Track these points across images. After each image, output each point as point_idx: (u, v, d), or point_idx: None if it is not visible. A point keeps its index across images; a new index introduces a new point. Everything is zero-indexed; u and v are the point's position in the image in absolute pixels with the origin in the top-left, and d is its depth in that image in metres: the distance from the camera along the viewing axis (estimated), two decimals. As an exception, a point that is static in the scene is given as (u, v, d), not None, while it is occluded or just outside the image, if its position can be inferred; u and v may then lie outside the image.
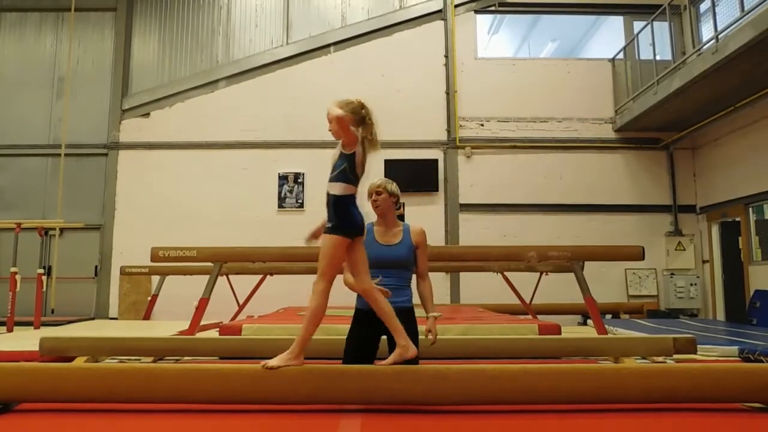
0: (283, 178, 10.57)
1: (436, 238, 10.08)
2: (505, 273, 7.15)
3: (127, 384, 2.79)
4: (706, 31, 9.95)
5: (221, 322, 6.69)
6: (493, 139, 10.73)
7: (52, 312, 9.37)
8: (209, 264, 5.99)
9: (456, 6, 11.00)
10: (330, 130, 2.94)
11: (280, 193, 10.56)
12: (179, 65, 11.09)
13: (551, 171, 10.64)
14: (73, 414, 2.77)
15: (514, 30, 13.26)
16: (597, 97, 10.85)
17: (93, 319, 9.95)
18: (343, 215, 2.82)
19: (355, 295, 3.02)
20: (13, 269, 7.44)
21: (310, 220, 3.04)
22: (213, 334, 6.03)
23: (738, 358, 4.82)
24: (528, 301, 7.33)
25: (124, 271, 8.95)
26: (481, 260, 6.63)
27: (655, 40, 9.54)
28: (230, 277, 7.51)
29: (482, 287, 9.57)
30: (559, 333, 5.24)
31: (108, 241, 10.48)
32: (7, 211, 10.25)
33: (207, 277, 5.83)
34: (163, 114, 10.90)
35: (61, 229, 9.99)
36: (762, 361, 4.53)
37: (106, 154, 10.74)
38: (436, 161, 10.58)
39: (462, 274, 10.02)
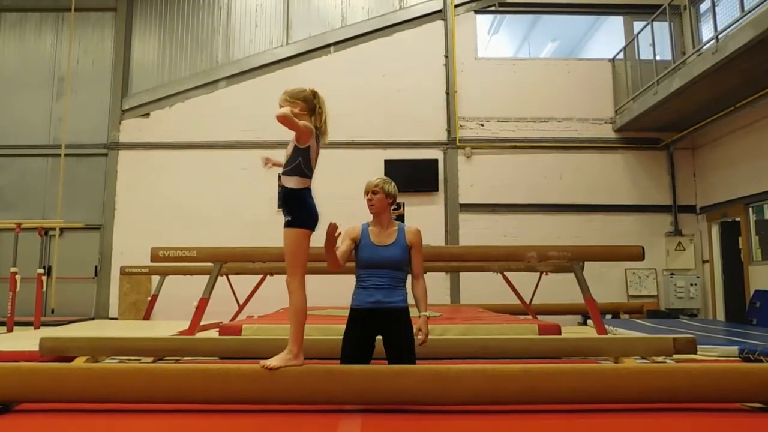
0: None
1: (436, 238, 10.08)
2: (505, 273, 7.15)
3: (127, 384, 2.79)
4: (706, 31, 9.95)
5: (221, 322, 6.69)
6: (493, 139, 10.73)
7: (52, 312, 9.37)
8: (209, 264, 5.98)
9: (456, 6, 11.00)
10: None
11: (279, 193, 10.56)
12: (179, 65, 11.09)
13: (551, 171, 10.64)
14: (73, 414, 2.77)
15: (514, 30, 13.27)
16: (597, 97, 10.85)
17: (93, 319, 9.95)
18: (299, 208, 2.84)
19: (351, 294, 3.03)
20: (13, 269, 7.44)
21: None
22: (213, 334, 6.03)
23: (738, 358, 4.82)
24: (528, 301, 7.32)
25: (124, 271, 8.94)
26: (481, 260, 6.63)
27: (655, 40, 9.54)
28: (230, 277, 7.51)
29: (482, 287, 9.57)
30: (559, 333, 5.24)
31: (108, 241, 10.48)
32: (7, 211, 10.25)
33: (207, 277, 5.83)
34: (163, 114, 10.90)
35: (61, 229, 10.00)
36: (762, 361, 4.53)
37: (106, 154, 10.74)
38: (436, 161, 10.58)
39: (462, 274, 10.02)
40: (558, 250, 5.80)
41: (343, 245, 3.04)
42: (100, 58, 11.13)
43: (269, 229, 10.01)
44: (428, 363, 3.17)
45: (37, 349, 4.23)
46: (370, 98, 10.71)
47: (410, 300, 3.03)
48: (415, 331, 2.94)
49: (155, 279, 9.47)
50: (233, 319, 7.44)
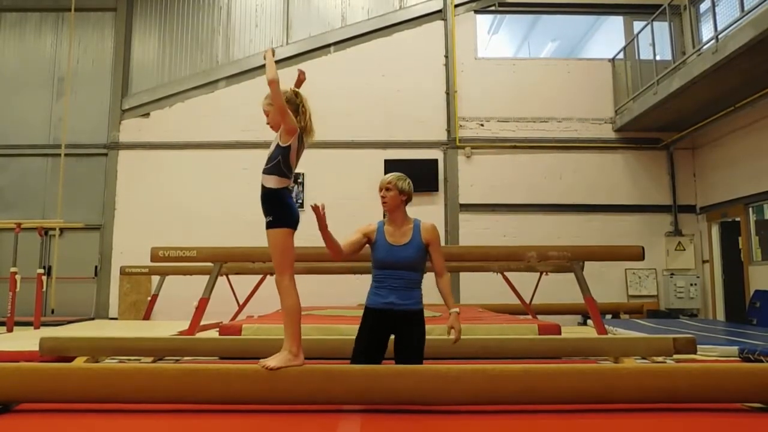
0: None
1: (436, 238, 10.08)
2: (505, 273, 7.15)
3: (127, 384, 2.79)
4: (706, 31, 9.94)
5: (221, 322, 6.69)
6: (493, 139, 10.73)
7: (52, 312, 9.37)
8: (209, 264, 5.98)
9: (456, 6, 11.00)
10: (268, 123, 2.95)
11: (280, 193, 10.54)
12: (179, 65, 11.09)
13: (551, 171, 10.64)
14: (73, 414, 2.77)
15: (514, 30, 13.26)
16: (597, 97, 10.85)
17: (93, 319, 9.95)
18: (279, 208, 2.84)
19: (363, 294, 3.02)
20: (13, 269, 7.44)
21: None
22: (213, 334, 6.03)
23: (738, 358, 4.82)
24: (528, 301, 7.32)
25: (124, 271, 8.94)
26: (481, 260, 6.63)
27: (655, 40, 9.53)
28: (230, 277, 7.51)
29: (482, 287, 9.57)
30: (559, 333, 5.24)
31: (108, 241, 10.48)
32: (7, 211, 10.25)
33: (207, 277, 5.83)
34: (163, 114, 10.89)
35: (61, 229, 9.99)
36: (762, 361, 4.52)
37: (106, 154, 10.74)
38: (436, 161, 10.58)
39: (462, 274, 10.01)
40: (558, 250, 5.80)
41: (352, 236, 3.01)
42: (100, 58, 11.12)
43: (269, 229, 10.02)
44: (428, 363, 3.17)
45: (37, 349, 4.22)
46: (370, 98, 10.71)
47: (425, 300, 3.01)
48: (447, 329, 2.91)
49: (155, 279, 9.47)
50: (233, 319, 7.44)
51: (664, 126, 10.01)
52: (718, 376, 2.82)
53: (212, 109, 10.78)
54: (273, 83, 2.80)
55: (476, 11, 11.18)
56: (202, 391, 2.77)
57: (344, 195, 10.17)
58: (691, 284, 10.15)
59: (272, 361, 2.78)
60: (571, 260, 5.73)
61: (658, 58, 9.53)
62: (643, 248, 5.75)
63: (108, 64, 11.07)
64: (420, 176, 10.36)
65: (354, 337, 3.07)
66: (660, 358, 4.37)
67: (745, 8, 7.15)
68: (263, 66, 10.43)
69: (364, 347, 2.96)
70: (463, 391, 2.76)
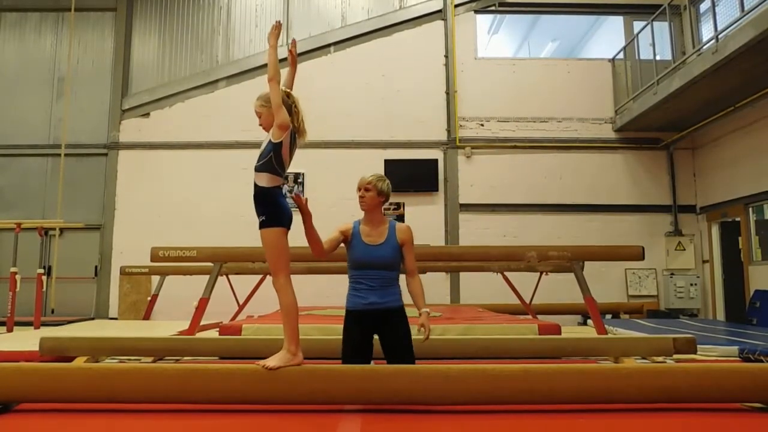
0: (284, 179, 10.54)
1: (436, 238, 10.08)
2: (505, 273, 7.15)
3: (127, 384, 2.79)
4: (706, 31, 9.94)
5: (221, 322, 6.69)
6: (493, 139, 10.72)
7: (52, 312, 9.38)
8: (209, 264, 5.99)
9: (456, 6, 11.00)
10: (260, 125, 2.97)
11: (280, 193, 10.55)
12: (179, 65, 11.09)
13: (551, 171, 10.64)
14: (73, 414, 2.77)
15: (514, 30, 13.26)
16: (597, 97, 10.85)
17: (93, 319, 9.94)
18: (272, 207, 2.85)
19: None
20: (13, 269, 7.44)
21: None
22: (213, 334, 6.03)
23: (738, 358, 4.82)
24: (528, 301, 7.32)
25: (124, 271, 8.94)
26: (481, 260, 6.63)
27: (655, 40, 9.53)
28: (230, 277, 7.51)
29: (482, 287, 9.57)
30: (559, 333, 5.24)
31: (108, 241, 10.48)
32: (7, 211, 10.25)
33: (207, 277, 5.83)
34: (163, 114, 10.90)
35: (61, 229, 10.00)
36: (762, 361, 4.53)
37: (106, 154, 10.74)
38: (436, 161, 10.57)
39: (462, 274, 10.02)
40: (558, 250, 5.80)
41: (332, 234, 3.03)
42: (100, 58, 11.12)
43: (269, 229, 10.02)
44: (428, 363, 3.17)
45: (37, 349, 4.23)
46: (370, 98, 10.71)
47: (406, 299, 3.02)
48: (417, 328, 2.92)
49: (155, 279, 9.47)
50: (233, 319, 7.44)
51: (664, 126, 10.01)
52: (718, 376, 2.82)
53: (212, 109, 10.78)
54: (272, 81, 2.81)
55: (476, 11, 11.18)
56: (202, 391, 2.77)
57: (344, 195, 10.13)
58: (691, 284, 10.15)
59: (272, 361, 2.78)
60: (571, 260, 5.73)
61: (658, 58, 9.53)
62: (643, 248, 5.76)
63: (108, 64, 11.07)
64: (420, 176, 10.40)
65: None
66: (660, 358, 4.37)
67: (745, 8, 7.15)
68: (263, 66, 10.48)
69: (352, 350, 2.96)
70: (463, 391, 2.76)
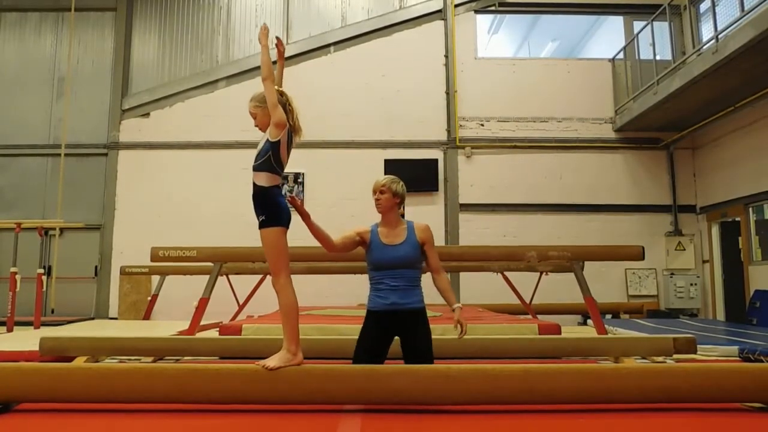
0: (282, 178, 10.53)
1: (436, 238, 9.99)
2: (505, 273, 7.15)
3: (127, 384, 2.79)
4: (706, 31, 9.94)
5: (221, 322, 6.69)
6: (493, 139, 10.72)
7: (52, 312, 9.37)
8: (209, 264, 5.98)
9: (456, 6, 11.00)
10: (256, 125, 2.99)
11: (280, 193, 10.55)
12: (179, 65, 11.09)
13: (551, 171, 10.64)
14: (73, 414, 2.77)
15: (514, 30, 13.26)
16: (597, 97, 10.85)
17: (93, 319, 9.94)
18: (272, 207, 2.84)
19: (363, 294, 3.01)
20: (13, 269, 7.44)
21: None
22: (213, 334, 6.03)
23: (738, 358, 4.82)
24: (528, 301, 7.32)
25: (124, 271, 8.94)
26: (482, 260, 6.63)
27: (655, 40, 9.53)
28: (230, 277, 7.51)
29: (482, 287, 9.57)
30: (559, 333, 5.24)
31: (108, 241, 10.48)
32: (7, 211, 10.26)
33: (207, 277, 5.83)
34: (163, 114, 10.89)
35: (61, 229, 10.00)
36: (762, 361, 4.52)
37: (106, 154, 10.74)
38: (436, 161, 10.57)
39: (462, 274, 10.01)
40: (558, 250, 5.80)
41: (347, 232, 3.02)
42: (100, 58, 11.12)
43: (269, 229, 10.02)
44: (428, 363, 3.17)
45: (37, 349, 4.22)
46: (370, 98, 10.71)
47: (426, 300, 3.02)
48: (454, 325, 2.92)
49: (155, 279, 9.47)
50: (233, 319, 7.44)
51: (664, 126, 10.01)
52: (718, 376, 2.82)
53: (212, 109, 10.78)
54: (266, 80, 2.82)
55: (476, 11, 11.18)
56: (202, 391, 2.77)
57: (344, 195, 10.18)
58: (691, 284, 10.15)
59: (271, 361, 2.78)
60: (571, 260, 5.73)
61: (658, 58, 9.53)
62: (643, 248, 5.75)
63: (108, 64, 11.07)
64: (420, 176, 10.39)
65: (354, 337, 3.07)
66: (660, 358, 4.37)
67: (745, 8, 7.15)
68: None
69: (367, 350, 2.95)
70: (463, 391, 2.76)
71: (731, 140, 9.53)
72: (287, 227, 2.89)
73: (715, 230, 10.18)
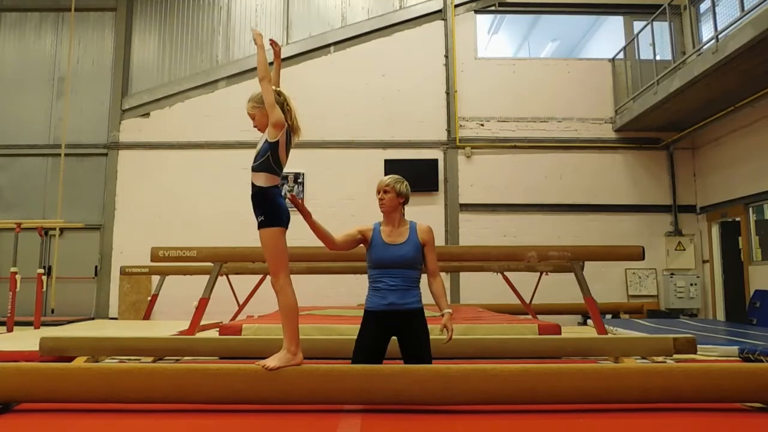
0: (282, 178, 10.55)
1: (436, 238, 10.04)
2: (505, 273, 7.15)
3: (127, 384, 2.79)
4: (706, 31, 9.95)
5: (221, 322, 6.69)
6: (493, 139, 10.73)
7: (52, 312, 9.37)
8: (209, 264, 5.99)
9: (456, 6, 11.00)
10: (255, 126, 2.98)
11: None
12: (179, 65, 11.09)
13: (551, 171, 10.64)
14: (73, 414, 2.77)
15: (514, 30, 13.26)
16: (597, 97, 10.85)
17: (93, 319, 9.95)
18: (271, 207, 2.84)
19: (362, 294, 3.01)
20: (13, 269, 7.44)
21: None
22: (213, 334, 6.03)
23: (738, 358, 4.82)
24: (528, 301, 7.32)
25: (124, 271, 8.95)
26: (482, 260, 6.63)
27: (655, 40, 9.53)
28: (230, 277, 7.51)
29: (482, 287, 9.57)
30: (559, 333, 5.24)
31: (108, 241, 10.48)
32: (7, 211, 10.26)
33: (207, 277, 5.83)
34: (163, 114, 10.89)
35: (61, 229, 9.99)
36: (762, 361, 4.53)
37: (106, 154, 10.74)
38: (436, 161, 10.57)
39: (462, 274, 10.02)
40: (558, 250, 5.80)
41: (349, 230, 3.02)
42: (100, 58, 11.12)
43: (269, 229, 10.02)
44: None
45: (37, 349, 4.23)
46: (370, 98, 10.71)
47: (424, 300, 3.02)
48: (440, 329, 2.92)
49: (155, 279, 9.47)
50: (233, 319, 7.45)
51: (664, 126, 10.01)
52: (718, 376, 2.82)
53: (212, 109, 10.78)
54: (263, 80, 2.82)
55: (476, 11, 11.18)
56: (202, 391, 2.77)
57: (344, 195, 10.19)
58: (691, 284, 10.15)
59: (271, 362, 2.78)
60: (571, 260, 5.73)
61: (658, 58, 9.53)
62: (643, 248, 5.75)
63: (108, 64, 11.07)
64: (420, 176, 10.39)
65: (353, 337, 3.07)
66: (660, 358, 4.37)
67: (745, 8, 7.15)
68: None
69: (365, 351, 2.95)
70: (463, 391, 2.76)
71: (731, 140, 9.53)
72: (286, 227, 2.89)
73: (715, 230, 10.18)
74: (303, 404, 2.82)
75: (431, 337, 3.02)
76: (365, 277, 3.11)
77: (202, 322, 5.94)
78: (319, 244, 3.00)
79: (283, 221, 2.87)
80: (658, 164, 10.70)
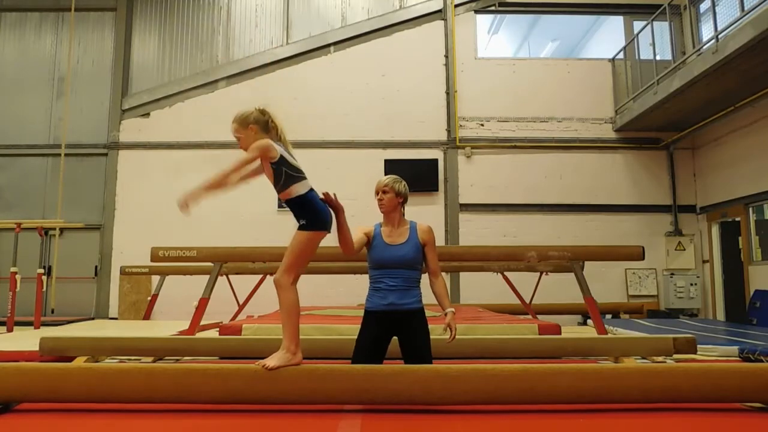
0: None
1: (436, 238, 10.06)
2: (505, 273, 7.15)
3: (127, 384, 2.79)
4: (706, 31, 9.95)
5: (221, 322, 6.69)
6: (493, 139, 10.73)
7: (52, 312, 9.37)
8: (209, 264, 5.99)
9: (456, 6, 11.00)
10: (241, 148, 2.87)
11: (280, 193, 10.55)
12: (179, 65, 11.09)
13: (551, 171, 10.64)
14: (73, 414, 2.77)
15: (514, 30, 13.26)
16: (597, 97, 10.85)
17: (93, 319, 9.95)
18: (312, 212, 2.79)
19: (362, 294, 3.01)
20: (13, 269, 7.44)
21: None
22: (213, 334, 6.03)
23: (738, 358, 4.82)
24: (528, 301, 7.32)
25: (124, 271, 8.95)
26: (482, 260, 6.63)
27: (655, 40, 9.54)
28: (230, 277, 7.51)
29: (482, 287, 9.57)
30: (559, 333, 5.24)
31: (108, 241, 10.48)
32: (7, 211, 10.26)
33: (207, 277, 5.83)
34: (163, 114, 10.89)
35: (61, 229, 9.99)
36: (762, 361, 4.52)
37: (106, 154, 10.74)
38: (436, 161, 10.58)
39: (462, 274, 10.02)
40: (558, 250, 5.80)
41: (356, 235, 2.99)
42: (100, 58, 11.13)
43: (269, 228, 10.04)
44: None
45: (37, 349, 4.22)
46: (370, 98, 10.71)
47: (425, 300, 3.02)
48: (444, 328, 2.93)
49: (155, 279, 9.47)
50: (233, 319, 7.45)
51: (664, 126, 10.01)
52: (718, 376, 2.81)
53: (212, 109, 10.77)
54: (244, 160, 2.74)
55: (476, 11, 11.18)
56: (202, 391, 2.77)
57: (344, 195, 10.02)
58: (691, 284, 10.15)
59: (271, 361, 2.77)
60: (571, 260, 5.73)
61: (658, 58, 9.53)
62: (643, 248, 5.75)
63: (108, 64, 11.07)
64: (420, 176, 10.39)
65: (354, 337, 3.07)
66: (660, 358, 4.37)
67: (745, 8, 7.15)
68: (263, 66, 10.47)
69: (365, 351, 2.95)
70: (463, 391, 2.76)
71: (731, 140, 9.53)
72: (328, 231, 2.82)
73: (715, 230, 10.18)
74: (303, 404, 2.82)
75: (431, 337, 3.03)
76: (365, 277, 3.11)
77: (202, 322, 5.94)
78: (338, 244, 2.96)
79: (326, 225, 2.81)
80: (658, 164, 10.70)
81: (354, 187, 10.17)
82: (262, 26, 11.14)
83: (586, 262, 6.03)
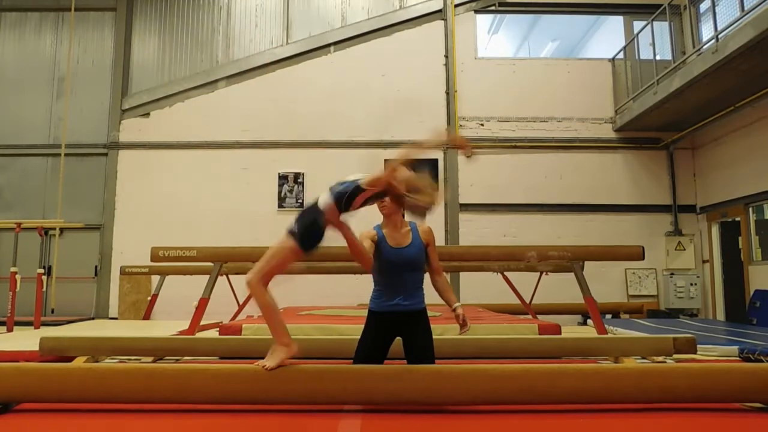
0: (283, 178, 10.57)
1: (436, 238, 10.06)
2: (505, 273, 7.15)
3: (127, 384, 2.79)
4: (706, 31, 9.94)
5: (221, 322, 6.69)
6: (493, 139, 10.72)
7: (52, 312, 9.37)
8: (209, 264, 5.98)
9: (456, 6, 11.00)
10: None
11: (279, 192, 10.56)
12: (179, 65, 11.09)
13: (551, 171, 10.64)
14: (73, 414, 2.77)
15: (514, 30, 13.27)
16: (597, 97, 10.85)
17: (93, 319, 9.94)
18: (309, 231, 2.77)
19: (362, 294, 3.01)
20: (13, 269, 7.43)
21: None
22: (213, 334, 6.03)
23: (738, 358, 4.82)
24: (528, 301, 7.32)
25: (124, 271, 8.94)
26: (482, 260, 6.63)
27: (655, 40, 9.54)
28: (230, 277, 7.51)
29: (482, 287, 9.57)
30: (559, 333, 5.24)
31: (108, 241, 10.48)
32: (7, 211, 10.25)
33: (207, 277, 5.83)
34: (163, 114, 10.89)
35: (61, 229, 9.99)
36: (762, 361, 4.52)
37: (106, 154, 10.74)
38: (436, 161, 10.57)
39: (462, 274, 10.01)
40: (558, 250, 5.80)
41: (365, 244, 2.95)
42: (100, 58, 11.12)
43: (269, 228, 10.01)
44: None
45: (37, 349, 4.22)
46: (370, 98, 10.71)
47: (427, 300, 3.03)
48: (459, 322, 2.95)
49: (155, 279, 9.46)
50: (233, 319, 7.44)
51: (664, 126, 10.01)
52: (718, 376, 2.82)
53: (212, 109, 10.78)
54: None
55: (476, 11, 11.18)
56: (202, 391, 2.77)
57: (344, 195, 10.17)
58: (691, 284, 10.14)
59: (269, 361, 2.77)
60: (571, 260, 5.73)
61: (658, 58, 9.53)
62: (643, 248, 5.75)
63: (108, 64, 11.07)
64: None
65: (354, 337, 3.07)
66: (660, 358, 4.37)
67: (745, 8, 7.15)
68: (263, 66, 10.48)
69: (368, 351, 2.96)
70: (463, 391, 2.76)
71: (731, 140, 9.53)
72: (306, 254, 2.78)
73: (715, 230, 10.18)
74: (303, 404, 2.82)
75: (439, 337, 3.03)
76: (365, 277, 3.11)
77: (202, 322, 5.93)
78: (355, 261, 2.95)
79: (309, 248, 2.77)
80: (658, 164, 10.70)
81: (354, 187, 10.21)
82: (262, 26, 11.14)
83: (586, 262, 6.02)
